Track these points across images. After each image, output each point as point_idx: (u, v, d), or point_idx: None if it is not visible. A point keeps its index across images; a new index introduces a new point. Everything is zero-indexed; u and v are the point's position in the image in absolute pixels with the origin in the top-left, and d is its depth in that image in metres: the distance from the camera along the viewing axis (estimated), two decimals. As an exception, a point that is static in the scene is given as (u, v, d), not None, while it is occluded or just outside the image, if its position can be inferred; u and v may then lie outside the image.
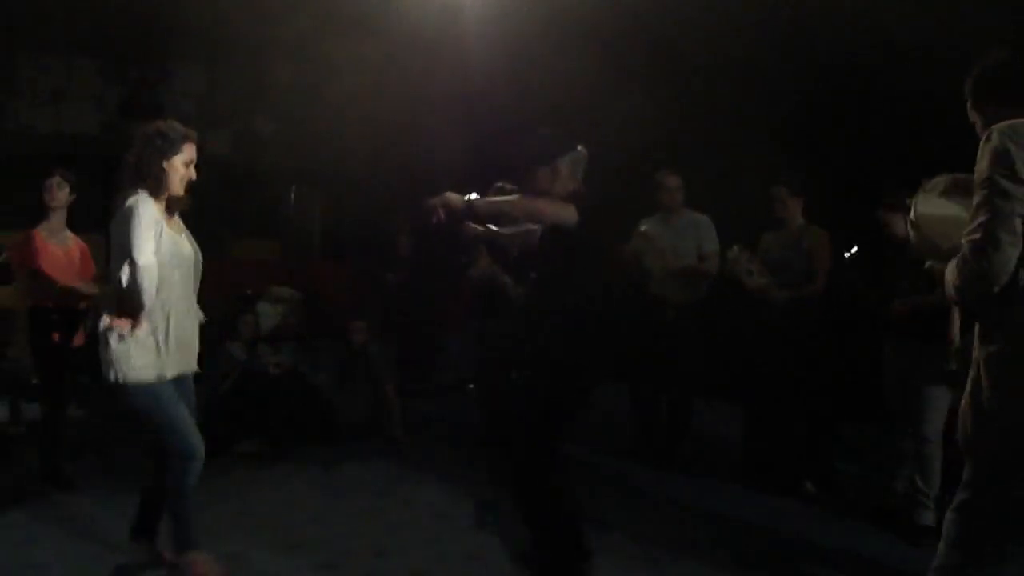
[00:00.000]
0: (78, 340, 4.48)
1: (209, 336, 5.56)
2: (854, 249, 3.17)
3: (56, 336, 4.37)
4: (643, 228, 5.08)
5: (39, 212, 4.43)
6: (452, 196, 3.03)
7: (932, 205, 2.50)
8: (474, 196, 3.10)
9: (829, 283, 4.47)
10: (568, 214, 2.96)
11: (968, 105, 2.49)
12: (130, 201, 2.96)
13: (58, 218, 4.43)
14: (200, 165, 3.16)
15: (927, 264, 2.84)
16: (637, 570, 3.55)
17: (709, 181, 5.08)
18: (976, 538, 2.28)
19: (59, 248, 4.41)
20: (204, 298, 3.29)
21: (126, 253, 2.92)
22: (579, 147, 3.20)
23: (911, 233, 2.54)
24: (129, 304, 2.96)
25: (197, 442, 3.10)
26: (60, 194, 4.39)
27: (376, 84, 6.31)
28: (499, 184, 3.83)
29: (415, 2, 5.75)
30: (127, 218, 2.93)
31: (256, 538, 3.20)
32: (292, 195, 8.66)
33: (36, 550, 3.58)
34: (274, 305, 6.59)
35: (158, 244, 2.99)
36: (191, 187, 3.15)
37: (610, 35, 5.59)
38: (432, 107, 6.45)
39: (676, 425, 5.09)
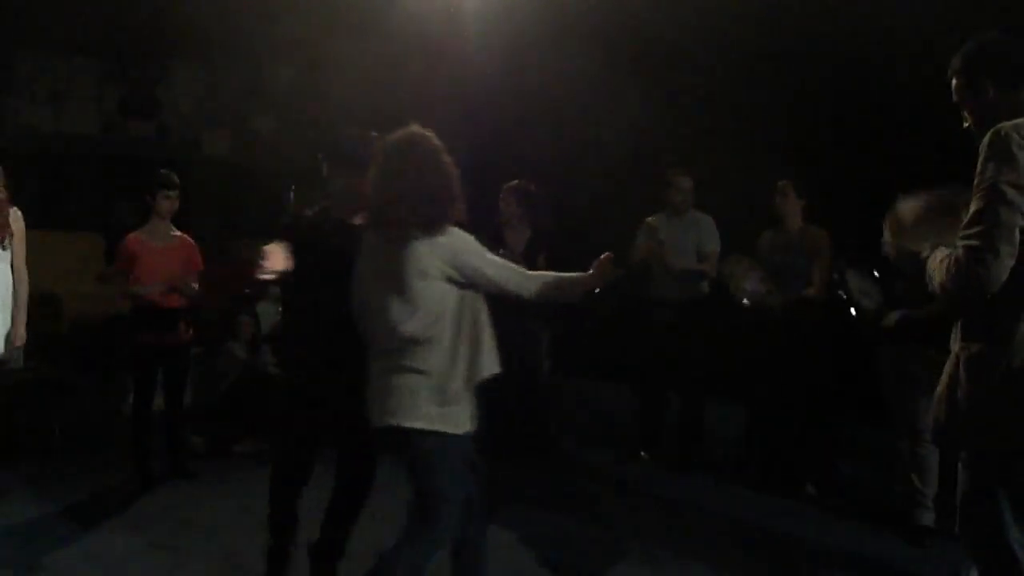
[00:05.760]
0: (177, 339, 4.50)
1: (210, 336, 5.64)
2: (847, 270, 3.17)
3: (151, 336, 4.41)
4: (648, 220, 5.09)
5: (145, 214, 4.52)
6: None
7: (906, 241, 2.44)
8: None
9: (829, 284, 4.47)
10: None
11: (957, 85, 2.33)
12: None
13: (159, 220, 4.49)
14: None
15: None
16: (637, 570, 3.55)
17: (708, 181, 5.08)
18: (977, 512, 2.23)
19: (157, 247, 4.45)
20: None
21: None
22: None
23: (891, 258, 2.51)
24: None
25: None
26: (165, 204, 4.46)
27: (376, 84, 6.31)
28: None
29: (416, 2, 5.76)
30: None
31: (256, 538, 3.20)
32: (292, 195, 8.65)
33: (36, 550, 3.58)
34: (274, 305, 6.58)
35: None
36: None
37: (610, 35, 5.59)
38: (432, 107, 6.45)
39: (689, 427, 5.04)
